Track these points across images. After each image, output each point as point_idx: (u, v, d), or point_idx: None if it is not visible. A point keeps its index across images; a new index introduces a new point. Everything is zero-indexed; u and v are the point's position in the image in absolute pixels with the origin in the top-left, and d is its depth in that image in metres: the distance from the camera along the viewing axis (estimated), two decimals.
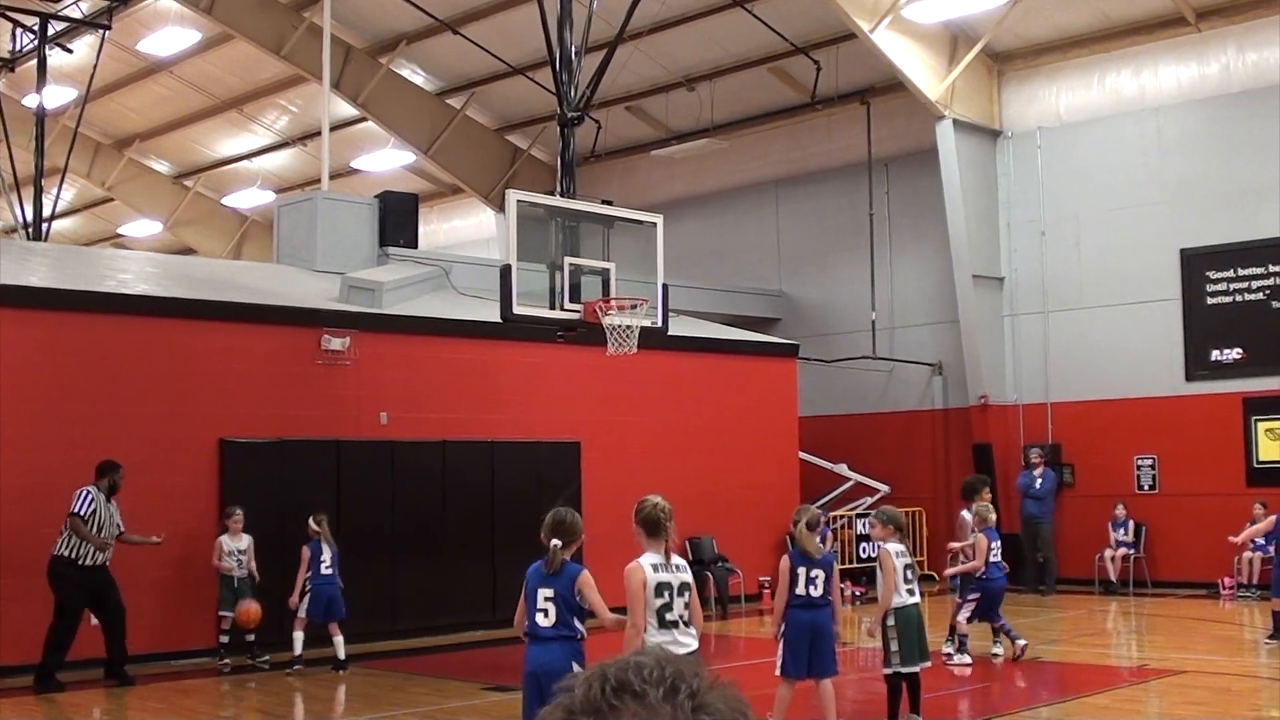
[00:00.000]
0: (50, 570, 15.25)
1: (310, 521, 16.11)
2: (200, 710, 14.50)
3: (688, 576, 9.03)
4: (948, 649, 15.83)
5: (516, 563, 20.09)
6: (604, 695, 1.71)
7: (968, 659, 15.61)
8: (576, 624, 8.86)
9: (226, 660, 16.30)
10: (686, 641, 8.77)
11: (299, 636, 15.97)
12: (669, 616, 8.83)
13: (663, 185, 29.99)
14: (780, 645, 11.47)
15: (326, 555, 16.03)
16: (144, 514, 16.34)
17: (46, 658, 15.04)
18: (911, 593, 11.99)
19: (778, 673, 11.42)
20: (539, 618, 8.86)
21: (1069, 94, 24.56)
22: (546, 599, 8.86)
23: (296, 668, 15.88)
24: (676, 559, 9.05)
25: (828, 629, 11.50)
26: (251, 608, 16.05)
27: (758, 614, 21.12)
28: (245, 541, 16.48)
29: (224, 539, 16.46)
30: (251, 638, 16.47)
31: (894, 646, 11.78)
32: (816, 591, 11.36)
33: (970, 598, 15.74)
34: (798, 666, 11.37)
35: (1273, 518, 17.87)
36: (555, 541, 8.97)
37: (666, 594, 8.86)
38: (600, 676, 1.73)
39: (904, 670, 11.85)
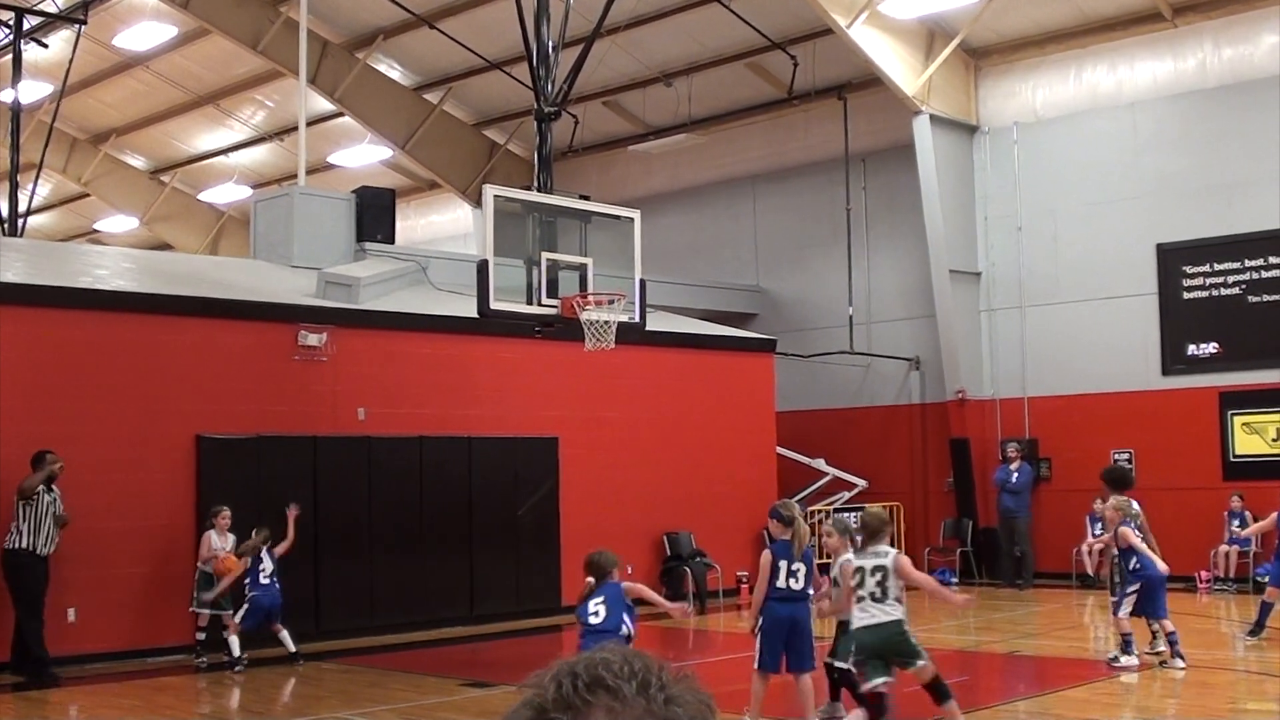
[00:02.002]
0: (9, 564, 15.31)
1: (254, 534, 16.21)
2: (177, 707, 14.45)
3: (883, 560, 10.57)
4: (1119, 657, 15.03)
5: (494, 559, 20.16)
6: (577, 691, 1.71)
7: (1135, 660, 14.75)
8: (626, 620, 10.38)
9: (203, 658, 16.27)
10: (875, 613, 10.44)
11: (234, 640, 15.98)
12: (859, 592, 10.50)
13: (640, 180, 29.97)
14: (758, 639, 11.48)
15: (267, 565, 16.16)
16: (121, 510, 16.35)
17: (38, 651, 15.09)
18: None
19: (755, 666, 11.45)
20: (591, 618, 10.38)
21: (1046, 89, 24.62)
22: (598, 604, 10.43)
23: (239, 669, 15.87)
24: (882, 547, 10.71)
25: (806, 623, 11.52)
26: (230, 559, 16.25)
27: (735, 609, 21.13)
28: (231, 540, 16.49)
29: (212, 535, 16.45)
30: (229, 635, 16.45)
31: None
32: (797, 584, 11.42)
33: (1130, 590, 14.89)
34: (773, 660, 11.40)
35: (1274, 515, 17.81)
36: (589, 580, 10.61)
37: (859, 575, 10.57)
38: (570, 674, 1.73)
39: (838, 664, 11.58)
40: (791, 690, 11.64)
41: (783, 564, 11.43)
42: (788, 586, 11.40)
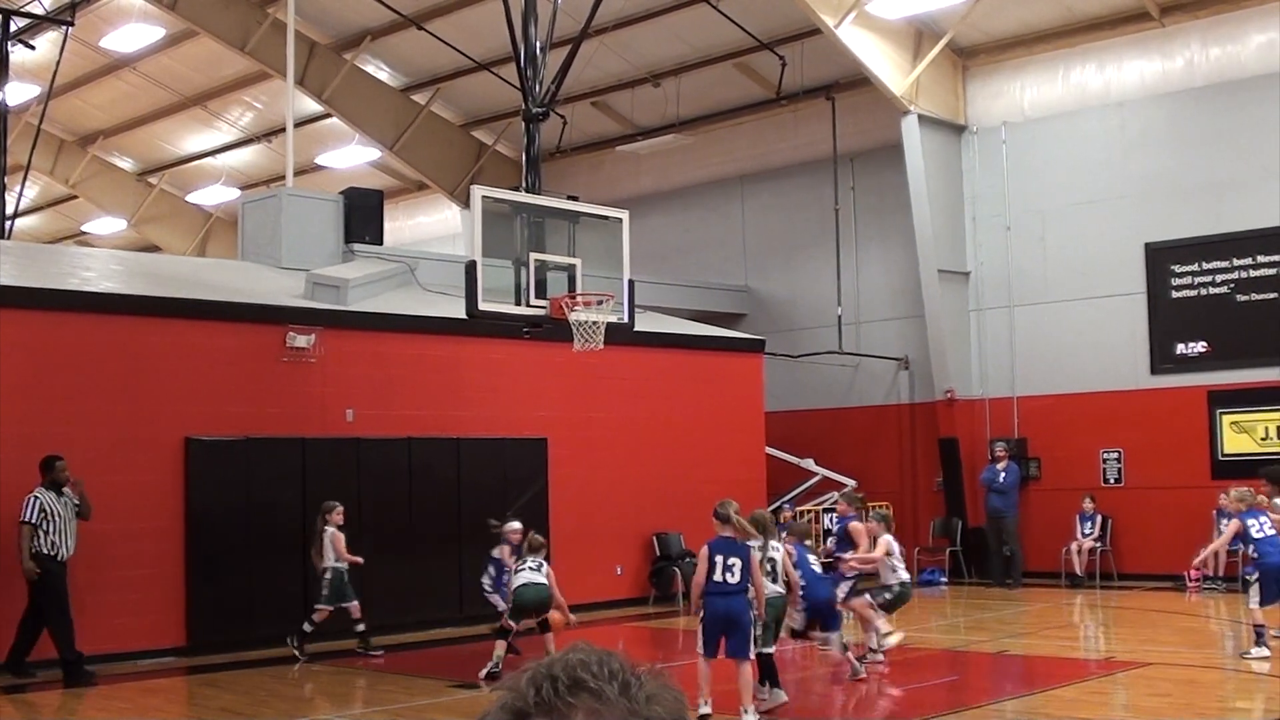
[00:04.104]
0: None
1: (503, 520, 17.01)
2: (165, 709, 14.43)
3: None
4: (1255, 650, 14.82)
5: (483, 560, 20.09)
6: (558, 694, 1.69)
7: (1265, 651, 14.71)
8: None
9: (303, 641, 16.51)
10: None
11: (501, 645, 15.35)
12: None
13: (629, 181, 29.96)
14: (700, 628, 11.98)
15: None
16: (110, 512, 16.28)
17: (67, 652, 15.13)
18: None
19: (699, 652, 11.95)
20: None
21: (1034, 89, 24.64)
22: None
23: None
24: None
25: (742, 616, 11.84)
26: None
27: None
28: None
29: (334, 530, 16.64)
30: (361, 628, 16.83)
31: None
32: (733, 579, 11.79)
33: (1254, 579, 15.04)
34: (710, 648, 11.85)
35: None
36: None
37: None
38: (548, 676, 1.71)
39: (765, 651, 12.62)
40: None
41: (718, 559, 11.83)
42: (724, 580, 11.81)
